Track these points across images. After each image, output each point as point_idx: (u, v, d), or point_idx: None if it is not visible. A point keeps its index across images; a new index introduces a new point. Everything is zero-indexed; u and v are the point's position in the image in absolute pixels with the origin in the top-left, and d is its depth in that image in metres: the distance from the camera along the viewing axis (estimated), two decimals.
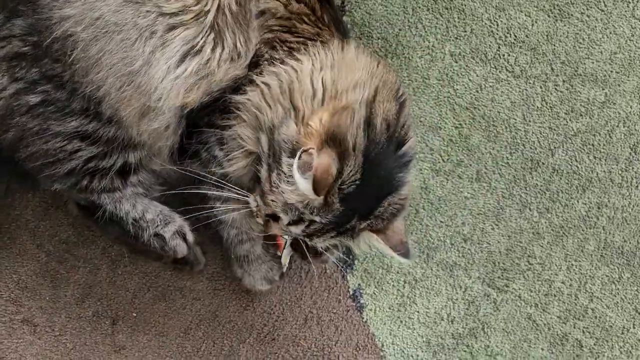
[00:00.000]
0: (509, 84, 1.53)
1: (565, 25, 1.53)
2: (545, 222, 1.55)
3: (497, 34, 1.52)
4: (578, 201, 1.55)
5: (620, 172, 1.55)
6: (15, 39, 1.22)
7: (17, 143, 1.29)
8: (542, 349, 1.55)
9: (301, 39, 1.24)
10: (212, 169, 1.26)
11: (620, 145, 1.55)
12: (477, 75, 1.52)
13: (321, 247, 1.23)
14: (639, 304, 1.56)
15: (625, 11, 1.53)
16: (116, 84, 1.19)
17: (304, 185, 1.12)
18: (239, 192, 1.24)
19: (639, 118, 1.55)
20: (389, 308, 1.53)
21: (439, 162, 1.53)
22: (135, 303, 1.48)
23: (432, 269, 1.53)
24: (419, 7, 1.51)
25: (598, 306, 1.56)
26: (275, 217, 1.22)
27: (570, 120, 1.54)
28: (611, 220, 1.55)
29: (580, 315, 1.55)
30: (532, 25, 1.53)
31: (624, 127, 1.55)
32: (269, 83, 1.21)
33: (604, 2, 1.53)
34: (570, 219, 1.55)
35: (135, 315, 1.48)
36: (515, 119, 1.53)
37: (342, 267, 1.50)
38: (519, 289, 1.54)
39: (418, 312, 1.53)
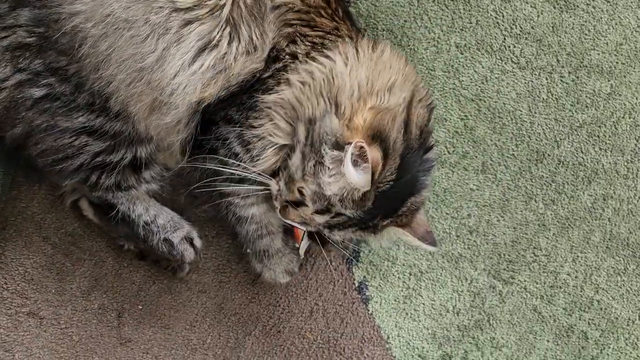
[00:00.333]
0: (514, 75, 1.53)
1: (570, 17, 1.53)
2: (551, 214, 1.55)
3: (503, 25, 1.52)
4: (584, 193, 1.55)
5: (625, 163, 1.55)
6: (20, 29, 1.22)
7: (26, 140, 1.30)
8: (548, 341, 1.55)
9: (320, 33, 1.25)
10: (234, 169, 1.25)
11: (626, 137, 1.55)
12: (482, 67, 1.52)
13: (337, 239, 1.25)
14: None
15: (631, 2, 1.53)
16: (126, 80, 1.19)
17: (355, 177, 1.14)
18: (263, 176, 1.24)
19: None
20: (395, 300, 1.53)
21: (445, 154, 1.53)
22: (141, 296, 1.48)
23: (437, 261, 1.53)
24: None
25: (604, 298, 1.56)
26: (295, 204, 1.23)
27: (575, 111, 1.54)
28: (617, 212, 1.55)
29: (585, 307, 1.55)
30: (538, 16, 1.52)
31: (629, 118, 1.55)
32: (306, 81, 1.21)
33: None
34: (576, 211, 1.55)
35: (141, 308, 1.48)
36: (521, 111, 1.53)
37: (353, 257, 1.51)
38: (525, 280, 1.55)
39: (423, 304, 1.53)
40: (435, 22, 1.51)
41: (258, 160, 1.24)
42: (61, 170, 1.31)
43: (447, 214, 1.53)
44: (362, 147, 1.12)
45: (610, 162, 1.55)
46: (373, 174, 1.14)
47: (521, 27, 1.52)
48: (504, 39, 1.52)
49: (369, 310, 1.52)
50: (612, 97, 1.54)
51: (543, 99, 1.53)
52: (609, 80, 1.54)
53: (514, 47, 1.52)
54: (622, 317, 1.56)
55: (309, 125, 1.19)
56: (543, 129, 1.54)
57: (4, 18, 1.22)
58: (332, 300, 1.52)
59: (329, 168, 1.17)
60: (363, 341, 1.52)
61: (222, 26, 1.18)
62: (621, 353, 1.56)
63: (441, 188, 1.53)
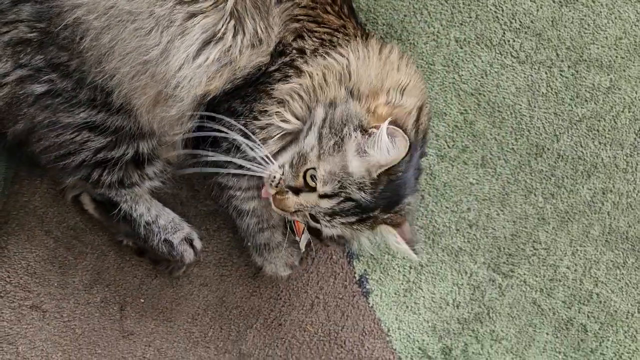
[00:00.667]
0: (514, 69, 1.53)
1: (570, 11, 1.53)
2: (551, 208, 1.55)
3: (502, 19, 1.52)
4: (583, 187, 1.55)
5: (625, 157, 1.55)
6: (21, 24, 1.22)
7: (28, 136, 1.30)
8: (547, 334, 1.55)
9: (328, 30, 1.26)
10: (237, 159, 1.26)
11: (625, 131, 1.55)
12: (482, 61, 1.53)
13: (333, 233, 1.26)
14: None
15: None
16: (130, 72, 1.19)
17: (387, 153, 1.16)
18: (268, 159, 1.24)
19: None
20: (395, 293, 1.53)
21: (444, 148, 1.53)
22: (143, 289, 1.49)
23: (437, 255, 1.54)
24: None
25: (603, 291, 1.56)
26: (296, 191, 1.23)
27: (575, 105, 1.54)
28: (616, 206, 1.56)
29: (585, 300, 1.56)
30: (537, 10, 1.52)
31: (629, 112, 1.55)
32: (325, 70, 1.23)
33: None
34: (575, 205, 1.55)
35: (143, 301, 1.49)
36: (521, 105, 1.54)
37: (352, 252, 1.52)
38: (524, 274, 1.55)
39: (424, 297, 1.54)
40: (434, 16, 1.51)
41: (266, 146, 1.25)
42: (63, 167, 1.31)
43: (447, 207, 1.54)
44: (394, 128, 1.15)
45: (609, 156, 1.55)
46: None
47: (521, 21, 1.52)
48: (504, 33, 1.52)
49: (369, 304, 1.53)
50: (612, 91, 1.54)
51: (542, 93, 1.54)
52: (608, 75, 1.54)
53: (514, 41, 1.52)
54: (621, 310, 1.56)
55: (329, 108, 1.21)
56: (542, 123, 1.54)
57: (6, 13, 1.22)
58: (333, 294, 1.52)
59: (351, 148, 1.18)
60: (364, 334, 1.53)
61: (226, 19, 1.19)
62: (620, 346, 1.56)
63: (441, 182, 1.53)
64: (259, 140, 1.23)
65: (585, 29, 1.53)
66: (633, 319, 1.56)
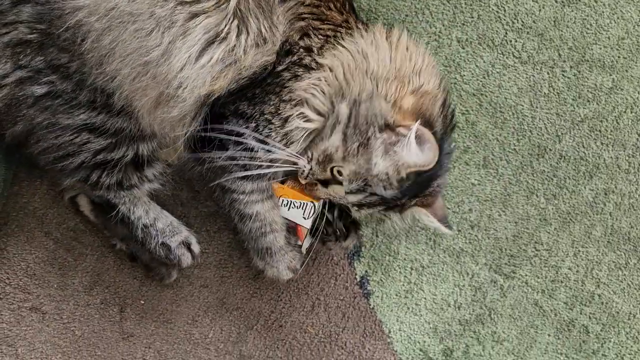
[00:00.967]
0: (516, 70, 1.52)
1: (572, 11, 1.52)
2: (552, 209, 1.55)
3: (505, 19, 1.52)
4: (585, 187, 1.55)
5: (627, 158, 1.55)
6: (21, 25, 1.21)
7: (27, 138, 1.30)
8: (549, 335, 1.55)
9: (332, 26, 1.26)
10: (257, 159, 1.26)
11: (628, 131, 1.55)
12: (484, 62, 1.52)
13: (361, 216, 1.31)
14: None
15: None
16: (131, 74, 1.19)
17: (418, 157, 1.18)
18: (292, 154, 1.26)
19: None
20: (396, 295, 1.53)
21: None
22: (143, 291, 1.49)
23: (439, 256, 1.54)
24: None
25: (605, 292, 1.56)
26: (324, 183, 1.27)
27: (577, 106, 1.54)
28: (618, 207, 1.55)
29: (586, 301, 1.56)
30: (540, 10, 1.52)
31: (631, 113, 1.54)
32: (349, 62, 1.24)
33: None
34: (577, 205, 1.55)
35: (143, 302, 1.49)
36: (523, 105, 1.53)
37: (355, 253, 1.52)
38: (526, 275, 1.55)
39: (425, 298, 1.54)
40: (436, 16, 1.51)
41: (292, 147, 1.26)
42: (62, 169, 1.30)
43: (448, 208, 1.53)
44: (422, 132, 1.16)
45: (611, 157, 1.55)
46: None
47: (523, 22, 1.52)
48: (506, 33, 1.52)
49: (370, 305, 1.53)
50: (614, 91, 1.54)
51: (545, 93, 1.53)
52: (610, 75, 1.54)
53: (516, 41, 1.52)
54: (623, 311, 1.56)
55: (353, 106, 1.22)
56: (544, 124, 1.54)
57: (6, 14, 1.22)
58: (334, 295, 1.52)
59: (377, 150, 1.20)
60: (365, 335, 1.53)
61: (229, 19, 1.18)
62: (622, 347, 1.56)
63: None
64: (281, 143, 1.25)
65: (588, 29, 1.53)
66: (635, 320, 1.56)
